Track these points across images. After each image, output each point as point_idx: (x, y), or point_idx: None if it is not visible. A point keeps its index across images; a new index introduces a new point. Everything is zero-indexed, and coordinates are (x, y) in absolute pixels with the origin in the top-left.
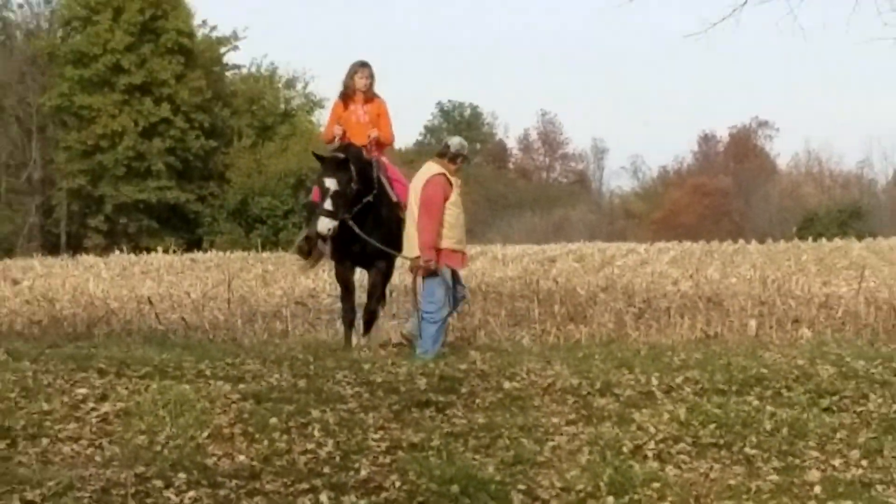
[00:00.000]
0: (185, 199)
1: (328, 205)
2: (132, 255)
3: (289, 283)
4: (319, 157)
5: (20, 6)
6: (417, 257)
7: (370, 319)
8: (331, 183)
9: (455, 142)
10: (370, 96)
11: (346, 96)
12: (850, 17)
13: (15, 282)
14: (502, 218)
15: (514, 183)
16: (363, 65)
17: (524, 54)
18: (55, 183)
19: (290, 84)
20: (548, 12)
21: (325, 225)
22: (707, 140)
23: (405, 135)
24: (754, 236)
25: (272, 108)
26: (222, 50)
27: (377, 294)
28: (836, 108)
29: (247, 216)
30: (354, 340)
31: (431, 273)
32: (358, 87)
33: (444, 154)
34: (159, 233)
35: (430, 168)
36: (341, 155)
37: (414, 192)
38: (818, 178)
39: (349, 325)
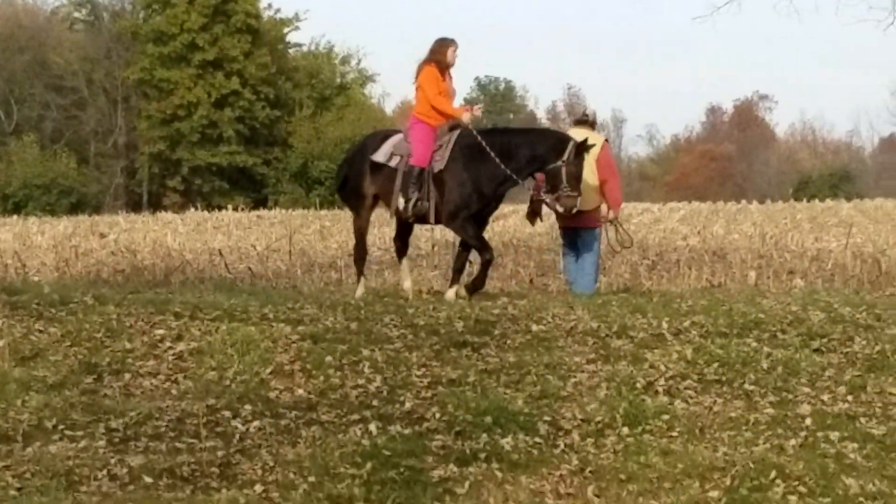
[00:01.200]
0: (253, 163)
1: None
2: (205, 213)
3: (343, 238)
4: (583, 145)
5: None
6: (596, 209)
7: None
8: None
9: (592, 111)
10: (449, 72)
11: (441, 68)
12: (839, 1)
13: (102, 235)
14: None
15: None
16: (454, 41)
17: (552, 34)
18: (138, 148)
19: (345, 60)
20: None
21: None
22: (714, 111)
23: None
24: (755, 197)
25: (329, 82)
26: (286, 30)
27: None
28: (828, 83)
29: (307, 178)
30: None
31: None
32: (450, 61)
33: (584, 122)
34: (229, 193)
35: (594, 136)
36: None
37: None
38: (812, 146)
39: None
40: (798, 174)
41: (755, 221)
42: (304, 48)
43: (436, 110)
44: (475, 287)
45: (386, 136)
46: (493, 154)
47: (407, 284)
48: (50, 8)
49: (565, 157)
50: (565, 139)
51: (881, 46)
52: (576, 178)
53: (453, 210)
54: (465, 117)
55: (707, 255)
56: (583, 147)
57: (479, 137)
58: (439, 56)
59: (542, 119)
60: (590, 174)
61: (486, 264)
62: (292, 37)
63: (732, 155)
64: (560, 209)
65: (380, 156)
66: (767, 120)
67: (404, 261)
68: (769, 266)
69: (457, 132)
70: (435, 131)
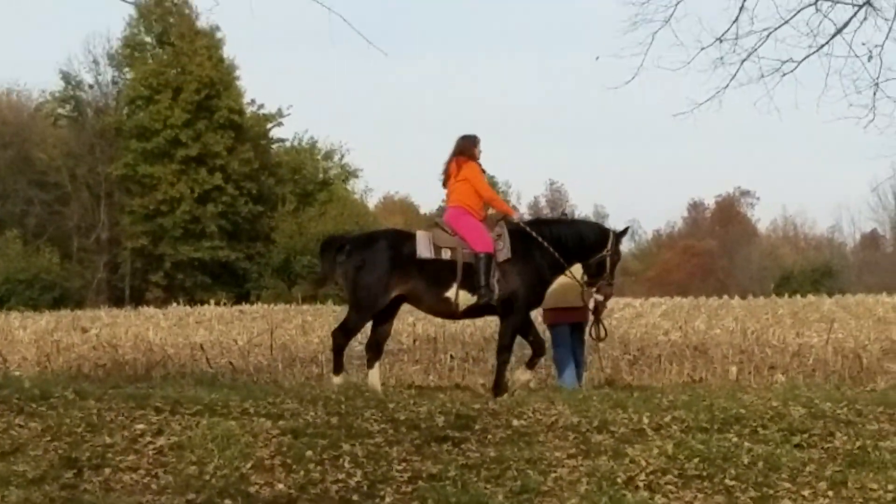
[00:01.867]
0: (235, 258)
1: None
2: (188, 307)
3: (325, 332)
4: (622, 234)
5: (91, 87)
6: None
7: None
8: None
9: (570, 209)
10: None
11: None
12: (819, 99)
13: (84, 330)
14: None
15: None
16: (477, 137)
17: (534, 129)
18: (121, 243)
19: (328, 156)
20: (556, 94)
21: None
22: (696, 207)
23: (431, 202)
24: (737, 292)
25: (312, 178)
26: (269, 125)
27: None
28: (810, 179)
29: (289, 272)
30: None
31: None
32: (478, 156)
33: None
34: (212, 287)
35: None
36: None
37: None
38: (794, 241)
39: None
40: (780, 269)
41: (737, 316)
42: (287, 144)
43: (491, 205)
44: (497, 391)
45: (404, 234)
46: (549, 245)
47: (378, 388)
48: (34, 104)
49: (608, 247)
50: (607, 230)
51: (861, 142)
52: (615, 267)
53: (523, 299)
54: (516, 216)
55: (688, 350)
56: (622, 237)
57: (532, 230)
58: (473, 152)
59: (525, 215)
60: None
61: (503, 365)
62: (275, 132)
63: (714, 250)
64: (601, 298)
65: (424, 252)
66: (749, 215)
67: (376, 366)
68: (750, 361)
69: (505, 224)
70: (484, 223)
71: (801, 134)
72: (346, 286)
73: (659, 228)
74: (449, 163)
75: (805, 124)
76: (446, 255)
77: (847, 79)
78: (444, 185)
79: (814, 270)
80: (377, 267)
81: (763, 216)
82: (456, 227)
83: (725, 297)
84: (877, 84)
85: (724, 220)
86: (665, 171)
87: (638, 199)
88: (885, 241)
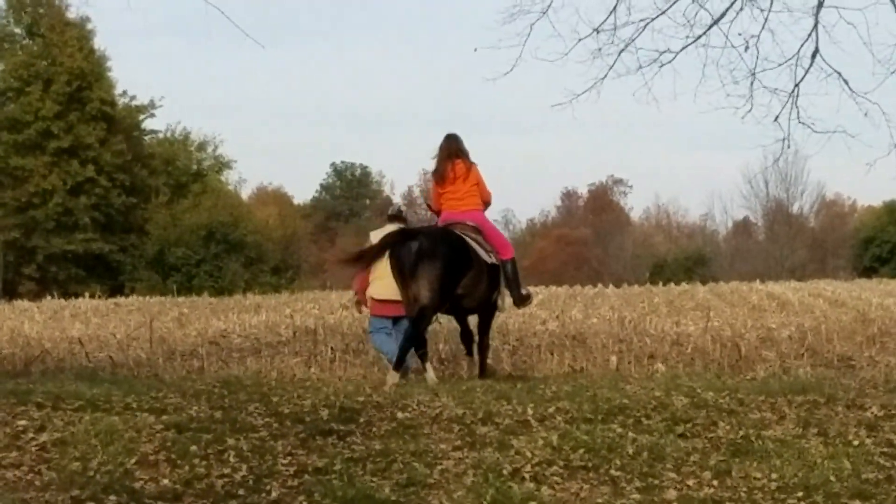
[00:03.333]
0: (109, 250)
1: None
2: (62, 300)
3: (202, 325)
4: None
5: None
6: None
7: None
8: None
9: (403, 206)
10: None
11: None
12: (697, 89)
13: None
14: None
15: None
16: None
17: (408, 120)
18: None
19: (201, 147)
20: (428, 83)
21: None
22: (569, 195)
23: (304, 190)
24: (611, 281)
25: (185, 169)
26: (141, 117)
27: None
28: (682, 168)
29: (163, 264)
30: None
31: None
32: None
33: (397, 217)
34: (86, 280)
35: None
36: None
37: None
38: (667, 229)
39: None
40: (653, 258)
41: (613, 305)
42: (160, 135)
43: (486, 207)
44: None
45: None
46: None
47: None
48: None
49: None
50: None
51: (732, 131)
52: None
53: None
54: None
55: (567, 340)
56: None
57: None
58: (468, 154)
59: (401, 204)
60: None
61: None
62: (148, 124)
63: (588, 239)
64: None
65: (487, 256)
66: (622, 204)
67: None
68: (630, 350)
69: None
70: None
71: (671, 122)
72: (420, 279)
73: (533, 217)
74: (452, 162)
75: (677, 112)
76: (490, 258)
77: (724, 69)
78: (443, 185)
79: (687, 258)
80: (461, 267)
81: (636, 204)
82: (484, 230)
83: (600, 285)
84: (753, 74)
85: (598, 209)
86: (538, 161)
87: (512, 189)
88: (756, 228)
